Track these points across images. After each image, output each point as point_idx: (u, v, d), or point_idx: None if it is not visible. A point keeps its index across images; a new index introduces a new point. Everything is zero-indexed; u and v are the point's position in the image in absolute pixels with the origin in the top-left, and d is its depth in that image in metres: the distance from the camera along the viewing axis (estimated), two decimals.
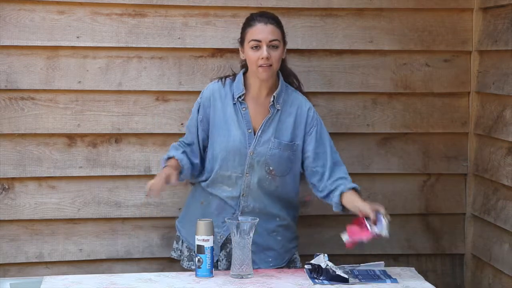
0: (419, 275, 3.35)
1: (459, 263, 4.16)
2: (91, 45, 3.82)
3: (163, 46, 3.88)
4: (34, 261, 3.86)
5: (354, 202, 3.36)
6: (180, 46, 3.89)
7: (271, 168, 3.46)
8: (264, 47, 3.37)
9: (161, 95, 3.90)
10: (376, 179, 4.07)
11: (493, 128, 3.84)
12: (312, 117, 3.51)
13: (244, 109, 3.45)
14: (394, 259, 4.10)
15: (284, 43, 3.48)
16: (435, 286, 3.22)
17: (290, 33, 3.92)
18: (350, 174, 4.02)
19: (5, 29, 3.75)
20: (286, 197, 3.55)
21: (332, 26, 3.97)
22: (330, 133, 4.00)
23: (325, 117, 3.99)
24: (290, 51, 3.93)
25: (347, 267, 3.31)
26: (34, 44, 3.78)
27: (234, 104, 3.46)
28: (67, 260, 3.89)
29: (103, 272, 3.78)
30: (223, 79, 3.52)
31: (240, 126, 3.45)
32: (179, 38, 3.88)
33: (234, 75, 3.54)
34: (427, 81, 4.04)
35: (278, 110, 3.47)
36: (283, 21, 3.89)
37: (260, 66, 3.38)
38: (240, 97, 3.45)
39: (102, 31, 3.83)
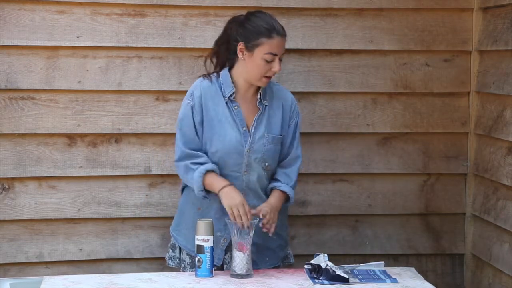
0: (419, 275, 3.35)
1: (459, 263, 4.16)
2: (91, 45, 3.82)
3: (163, 46, 3.88)
4: (34, 261, 3.86)
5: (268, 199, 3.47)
6: (180, 46, 3.89)
7: (267, 164, 3.46)
8: (277, 61, 3.37)
9: (161, 95, 3.90)
10: (376, 179, 4.07)
11: (493, 128, 3.83)
12: (294, 109, 3.54)
13: (236, 107, 3.44)
14: (394, 259, 4.10)
15: None
16: (435, 286, 3.22)
17: (290, 33, 3.92)
18: (350, 174, 4.05)
19: (5, 29, 3.75)
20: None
21: (332, 26, 3.97)
22: (330, 133, 4.02)
23: (325, 117, 4.00)
24: (290, 51, 3.94)
25: (347, 267, 3.30)
26: (34, 44, 3.78)
27: (226, 102, 3.44)
28: (67, 260, 3.89)
29: (103, 272, 3.78)
30: (209, 76, 3.48)
31: (235, 124, 3.43)
32: (179, 38, 3.88)
33: (216, 71, 3.51)
34: (427, 81, 4.04)
35: (266, 105, 3.47)
36: (283, 20, 3.90)
37: (265, 76, 3.39)
38: (230, 95, 3.45)
39: (102, 31, 3.83)
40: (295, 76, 3.96)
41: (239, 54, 3.42)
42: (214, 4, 3.87)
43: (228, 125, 3.43)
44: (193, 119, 3.44)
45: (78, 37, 3.81)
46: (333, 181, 4.06)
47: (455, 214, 4.14)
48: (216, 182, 3.38)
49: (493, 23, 3.86)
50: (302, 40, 3.95)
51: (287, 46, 3.90)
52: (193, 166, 3.41)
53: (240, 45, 3.41)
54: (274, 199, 3.46)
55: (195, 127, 3.44)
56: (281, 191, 3.48)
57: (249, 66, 3.40)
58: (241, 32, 3.41)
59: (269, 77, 3.40)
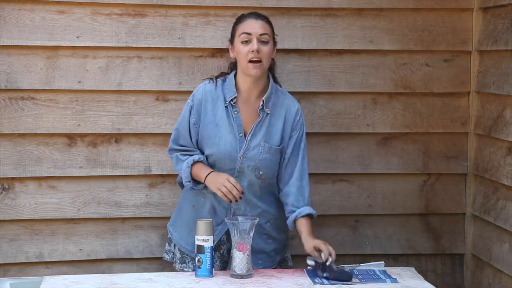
0: (419, 275, 3.35)
1: (459, 263, 4.16)
2: (91, 45, 3.82)
3: (163, 46, 3.88)
4: (34, 261, 3.86)
5: (301, 234, 3.40)
6: (180, 46, 3.89)
7: (261, 172, 3.45)
8: (255, 41, 3.37)
9: (161, 95, 3.90)
10: (376, 179, 4.07)
11: (493, 128, 3.83)
12: (298, 121, 3.50)
13: (235, 112, 3.44)
14: (394, 259, 4.10)
15: (274, 42, 3.46)
16: (435, 286, 3.22)
17: (290, 33, 3.93)
18: (350, 174, 4.05)
19: (5, 29, 3.75)
20: (274, 194, 3.54)
21: (332, 26, 3.97)
22: (330, 133, 4.02)
23: (325, 117, 4.00)
24: (290, 51, 3.94)
25: (347, 267, 3.31)
26: (34, 44, 3.78)
27: (226, 107, 3.44)
28: (67, 260, 3.89)
29: (103, 272, 3.78)
30: (215, 80, 3.50)
31: (231, 130, 3.43)
32: (179, 38, 3.88)
33: (224, 74, 3.53)
34: (427, 81, 4.04)
35: (267, 114, 3.45)
36: (283, 21, 3.90)
37: (250, 61, 3.36)
38: (232, 100, 3.44)
39: (102, 31, 3.83)
40: (295, 76, 3.96)
41: (231, 55, 3.47)
42: (214, 4, 3.87)
43: (224, 130, 3.43)
44: (189, 119, 3.48)
45: (78, 37, 3.81)
46: (333, 181, 4.06)
47: (455, 214, 4.14)
48: (201, 172, 3.41)
49: (493, 23, 3.86)
50: (302, 40, 3.95)
51: (287, 46, 3.92)
52: (182, 157, 3.47)
53: (229, 46, 3.47)
54: (308, 230, 3.40)
55: (189, 127, 3.48)
56: (305, 216, 3.45)
57: (237, 59, 3.43)
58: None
59: (255, 62, 3.36)
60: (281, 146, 3.47)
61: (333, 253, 3.27)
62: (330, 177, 4.05)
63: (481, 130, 3.97)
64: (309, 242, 3.34)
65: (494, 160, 3.83)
